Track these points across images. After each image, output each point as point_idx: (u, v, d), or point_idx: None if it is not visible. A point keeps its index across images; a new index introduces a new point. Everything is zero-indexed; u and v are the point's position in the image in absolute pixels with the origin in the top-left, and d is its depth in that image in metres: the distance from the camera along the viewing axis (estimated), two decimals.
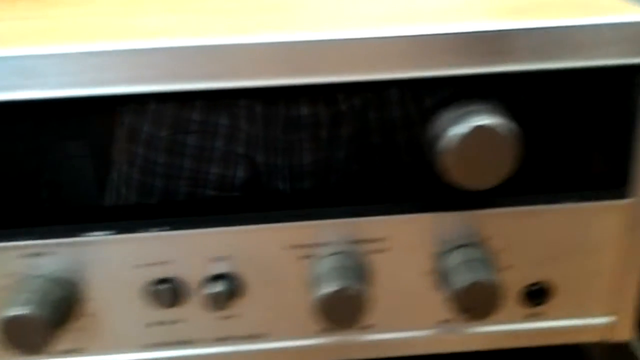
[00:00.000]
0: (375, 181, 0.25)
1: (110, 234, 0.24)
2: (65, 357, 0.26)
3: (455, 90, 0.24)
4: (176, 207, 0.25)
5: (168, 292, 0.26)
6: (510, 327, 0.28)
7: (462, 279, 0.25)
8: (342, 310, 0.25)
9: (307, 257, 0.26)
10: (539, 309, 0.28)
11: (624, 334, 0.28)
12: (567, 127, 0.25)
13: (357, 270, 0.25)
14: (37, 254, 0.25)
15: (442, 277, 0.26)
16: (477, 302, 0.25)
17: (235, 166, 0.25)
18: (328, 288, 0.24)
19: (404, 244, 0.26)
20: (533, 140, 0.25)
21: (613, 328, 0.28)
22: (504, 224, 0.26)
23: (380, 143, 0.25)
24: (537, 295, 0.27)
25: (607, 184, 0.26)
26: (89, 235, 0.25)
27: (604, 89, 0.25)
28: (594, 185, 0.26)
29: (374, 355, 0.28)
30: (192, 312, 0.26)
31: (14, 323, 0.23)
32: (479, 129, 0.23)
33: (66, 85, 0.23)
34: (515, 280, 0.27)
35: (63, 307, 0.25)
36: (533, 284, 0.27)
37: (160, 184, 0.25)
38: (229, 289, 0.26)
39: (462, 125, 0.23)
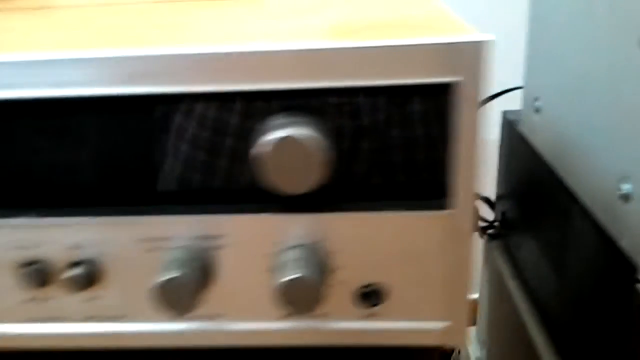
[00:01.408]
0: (216, 182, 0.28)
1: None
2: None
3: (279, 102, 0.27)
4: (42, 197, 0.29)
5: (36, 273, 0.29)
6: (347, 325, 0.30)
7: (285, 275, 0.27)
8: (176, 298, 0.27)
9: (156, 249, 0.29)
10: (373, 310, 0.29)
11: (458, 340, 0.30)
12: (389, 141, 0.27)
13: (196, 263, 0.28)
14: None
15: (274, 274, 0.28)
16: (296, 297, 0.27)
17: (85, 167, 0.28)
18: (163, 277, 0.27)
19: (243, 241, 0.29)
20: (357, 151, 0.27)
21: (448, 333, 0.30)
22: (336, 228, 0.28)
23: (217, 150, 0.28)
24: (371, 297, 0.29)
25: (429, 196, 0.28)
26: None
27: (419, 105, 0.27)
28: (417, 196, 0.28)
29: (223, 343, 0.31)
30: (59, 292, 0.30)
31: None
32: (288, 139, 0.25)
33: None
34: (348, 280, 0.29)
35: None
36: (366, 285, 0.29)
37: (33, 178, 0.28)
38: (86, 274, 0.29)
39: (273, 135, 0.25)
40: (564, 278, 0.40)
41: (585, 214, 0.36)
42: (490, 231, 0.54)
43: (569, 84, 0.40)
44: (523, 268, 0.48)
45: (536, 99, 0.45)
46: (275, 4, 0.39)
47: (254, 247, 0.29)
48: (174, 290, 0.27)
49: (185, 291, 0.27)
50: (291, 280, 0.27)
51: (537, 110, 0.45)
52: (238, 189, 0.28)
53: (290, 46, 0.26)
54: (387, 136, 0.27)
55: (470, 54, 0.25)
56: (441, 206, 0.28)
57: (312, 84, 0.26)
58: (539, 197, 0.44)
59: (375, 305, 0.29)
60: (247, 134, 0.27)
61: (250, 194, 0.28)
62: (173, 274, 0.27)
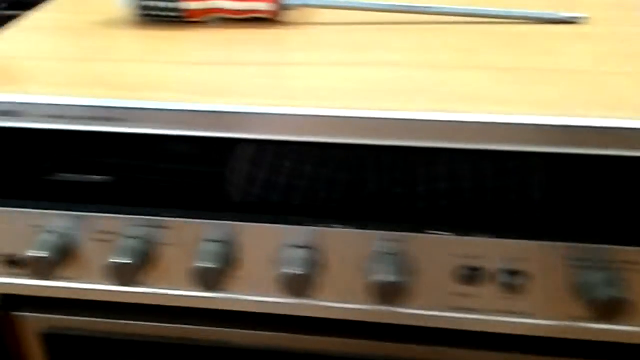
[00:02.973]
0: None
1: (450, 235, 0.36)
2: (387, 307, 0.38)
3: None
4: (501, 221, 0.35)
5: (473, 276, 0.36)
6: None
7: None
8: (611, 309, 0.34)
9: (581, 267, 0.35)
10: None
11: None
12: None
13: (618, 282, 0.35)
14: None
15: None
16: None
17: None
18: (604, 294, 0.34)
19: None
20: None
21: None
22: None
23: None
24: None
25: None
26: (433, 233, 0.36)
27: None
28: None
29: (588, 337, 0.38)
30: (486, 291, 0.37)
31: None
32: None
33: None
34: None
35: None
36: None
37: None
38: (518, 282, 0.36)
39: None
40: None
41: None
42: None
43: None
44: None
45: None
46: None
47: None
48: (613, 305, 0.34)
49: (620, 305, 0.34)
50: None
51: None
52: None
53: None
54: None
55: None
56: None
57: None
58: None
59: None
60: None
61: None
62: (613, 292, 0.34)
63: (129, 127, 0.35)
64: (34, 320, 0.45)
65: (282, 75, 0.39)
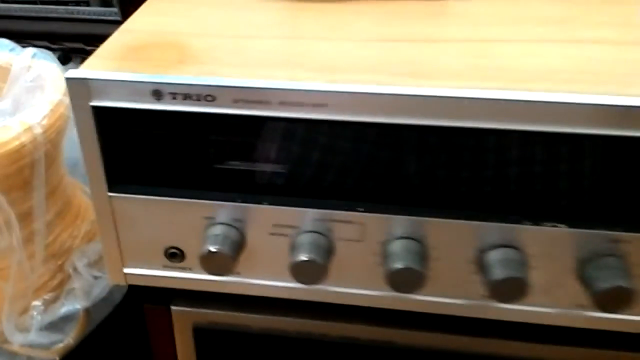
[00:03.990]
0: None
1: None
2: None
3: None
4: None
5: None
6: None
7: None
8: None
9: None
10: None
11: None
12: None
13: None
14: None
15: None
16: None
17: None
18: None
19: None
20: None
21: None
22: None
23: None
24: None
25: None
26: None
27: None
28: None
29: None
30: None
31: None
32: None
33: None
34: None
35: None
36: None
37: None
38: None
39: None
40: None
41: None
42: None
43: None
44: None
45: None
46: None
47: None
48: None
49: None
50: None
51: None
52: None
53: None
54: None
55: None
56: None
57: None
58: None
59: None
60: None
61: None
62: None
63: (327, 113, 0.32)
64: (185, 315, 0.43)
65: (484, 53, 0.35)
